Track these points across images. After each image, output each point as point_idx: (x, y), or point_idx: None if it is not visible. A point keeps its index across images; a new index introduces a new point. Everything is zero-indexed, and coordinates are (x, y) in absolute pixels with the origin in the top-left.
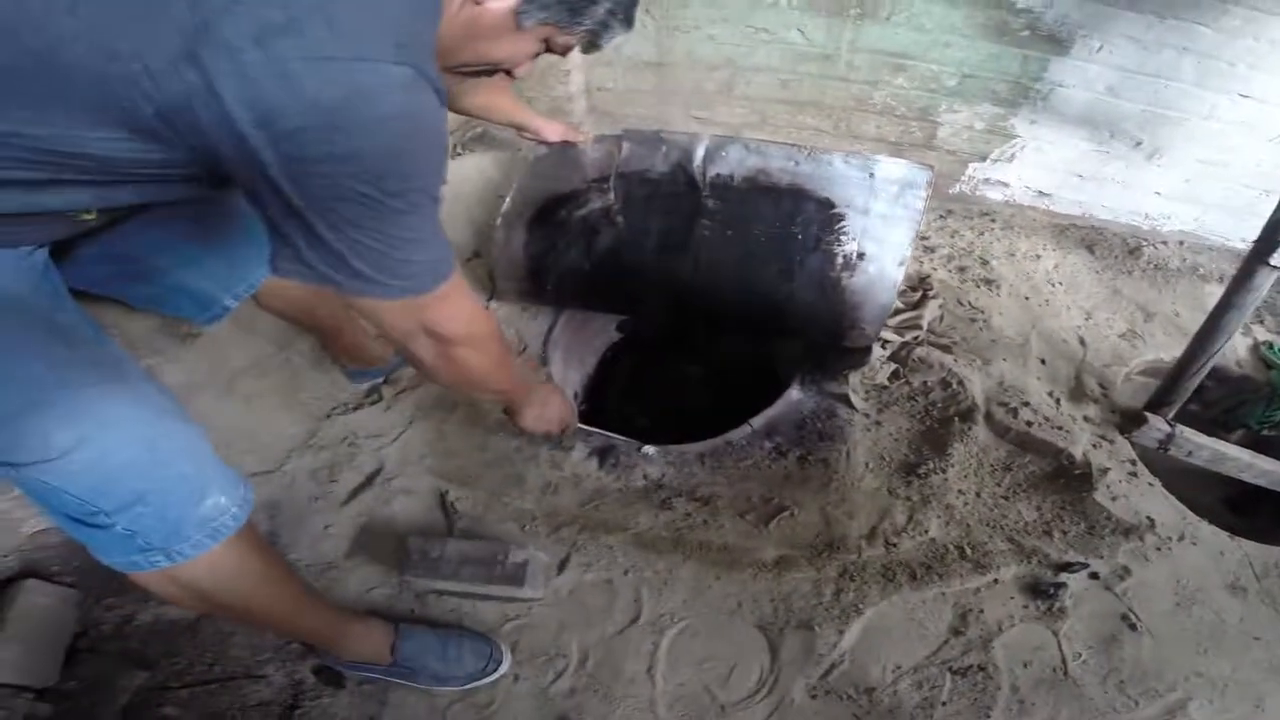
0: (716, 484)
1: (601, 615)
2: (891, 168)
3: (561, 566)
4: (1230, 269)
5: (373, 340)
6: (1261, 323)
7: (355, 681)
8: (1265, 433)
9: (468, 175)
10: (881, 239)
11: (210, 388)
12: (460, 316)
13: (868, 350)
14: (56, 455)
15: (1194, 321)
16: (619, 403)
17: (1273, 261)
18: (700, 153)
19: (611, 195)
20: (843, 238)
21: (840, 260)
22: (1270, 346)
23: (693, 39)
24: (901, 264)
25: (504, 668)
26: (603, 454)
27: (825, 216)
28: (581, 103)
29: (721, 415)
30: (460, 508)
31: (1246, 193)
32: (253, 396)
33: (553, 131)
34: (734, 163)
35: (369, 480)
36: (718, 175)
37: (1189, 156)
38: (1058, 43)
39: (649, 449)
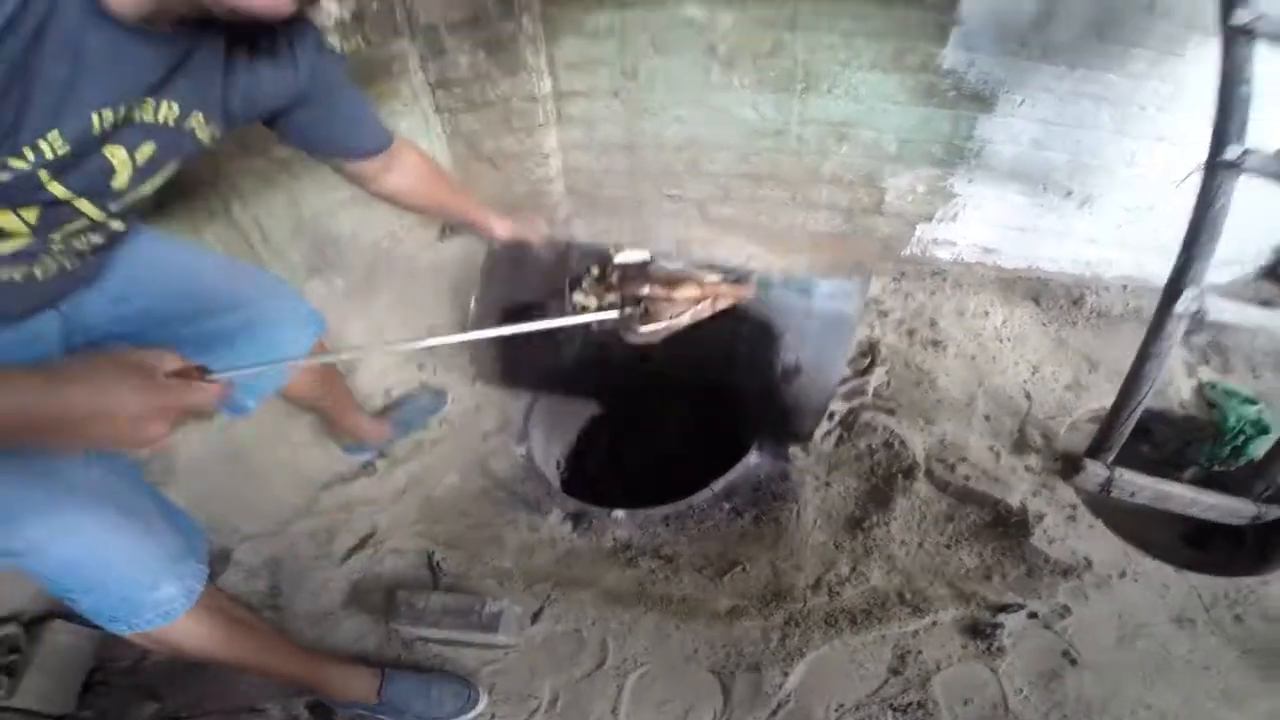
0: (679, 543)
1: (570, 661)
2: (827, 286)
3: (535, 617)
4: None
5: (369, 422)
6: (1207, 363)
7: (346, 718)
8: (1215, 469)
9: (455, 258)
10: (818, 352)
11: (221, 462)
12: None
13: (810, 434)
14: (20, 553)
15: None
16: (599, 469)
17: (1177, 310)
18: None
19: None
20: (781, 352)
21: (779, 371)
22: (1213, 386)
23: (660, 121)
24: (836, 375)
25: (481, 706)
26: (576, 518)
27: (765, 334)
28: (560, 184)
29: (692, 473)
30: (446, 566)
31: (1173, 234)
32: (257, 470)
33: (503, 229)
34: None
35: (363, 542)
36: None
37: (1117, 204)
38: (983, 101)
39: (618, 513)
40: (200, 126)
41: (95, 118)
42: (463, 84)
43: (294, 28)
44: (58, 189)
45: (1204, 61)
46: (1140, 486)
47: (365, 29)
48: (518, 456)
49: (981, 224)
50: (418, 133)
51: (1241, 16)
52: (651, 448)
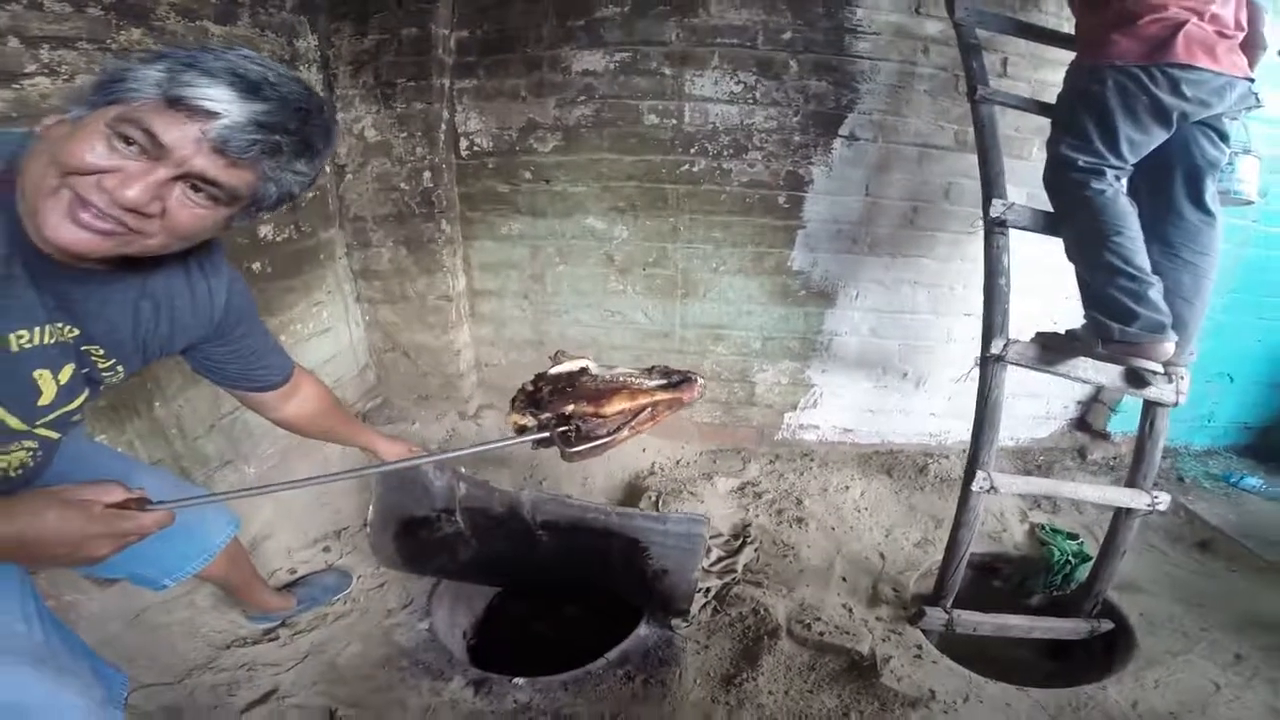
0: (577, 706)
1: None
2: (678, 517)
3: None
4: (1007, 465)
5: (274, 596)
6: (1039, 506)
7: None
8: (1056, 594)
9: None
10: (678, 562)
11: (119, 618)
12: None
13: (686, 610)
14: None
15: None
16: (507, 638)
17: (973, 489)
18: (527, 506)
19: (460, 524)
20: (649, 561)
21: (650, 574)
22: (1042, 528)
23: (563, 321)
24: (695, 574)
25: None
26: (478, 684)
27: (633, 549)
28: (472, 378)
29: (595, 639)
30: None
31: None
32: (158, 627)
33: (392, 453)
34: (555, 514)
35: (265, 697)
36: (544, 520)
37: (945, 378)
38: (826, 297)
39: (519, 680)
40: (101, 359)
41: (13, 339)
42: (383, 277)
43: (209, 269)
44: None
45: None
46: (980, 622)
47: (298, 218)
48: (421, 631)
49: (838, 408)
50: (338, 320)
51: (997, 208)
52: (556, 620)
